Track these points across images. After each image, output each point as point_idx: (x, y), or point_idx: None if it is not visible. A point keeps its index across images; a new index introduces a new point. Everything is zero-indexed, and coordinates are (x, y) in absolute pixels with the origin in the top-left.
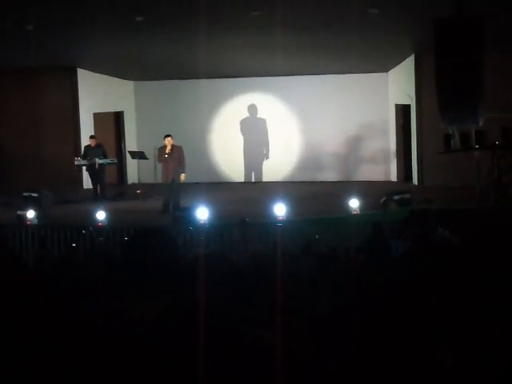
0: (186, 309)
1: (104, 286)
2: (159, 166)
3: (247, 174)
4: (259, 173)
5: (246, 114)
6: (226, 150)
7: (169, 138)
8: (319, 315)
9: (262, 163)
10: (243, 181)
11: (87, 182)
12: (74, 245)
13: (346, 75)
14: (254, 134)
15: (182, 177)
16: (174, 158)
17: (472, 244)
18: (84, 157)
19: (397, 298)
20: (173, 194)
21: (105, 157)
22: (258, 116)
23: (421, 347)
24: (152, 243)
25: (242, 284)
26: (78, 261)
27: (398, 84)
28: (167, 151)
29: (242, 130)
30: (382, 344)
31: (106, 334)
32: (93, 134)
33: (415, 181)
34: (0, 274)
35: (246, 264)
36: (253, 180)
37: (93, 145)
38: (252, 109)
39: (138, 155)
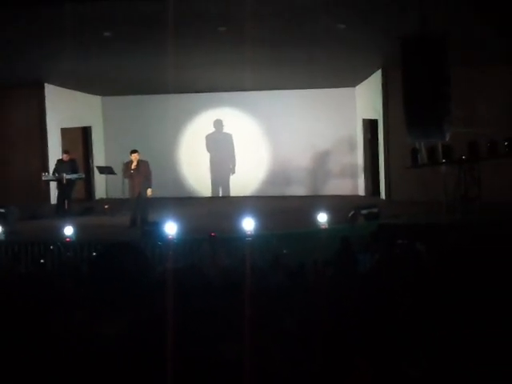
0: (155, 322)
1: (73, 301)
2: (126, 181)
3: (214, 188)
4: (226, 187)
5: (213, 129)
6: (193, 165)
7: (135, 154)
8: (287, 329)
9: (228, 178)
10: (210, 195)
11: (55, 197)
12: (42, 261)
13: (314, 90)
14: (221, 149)
15: (149, 192)
16: (140, 173)
17: (440, 257)
18: (54, 171)
19: (363, 311)
20: (140, 208)
21: (74, 172)
22: (225, 131)
23: (386, 359)
24: (121, 257)
25: (212, 297)
26: (46, 277)
27: (365, 99)
28: (133, 167)
29: (208, 145)
30: (347, 356)
31: (75, 349)
32: (61, 148)
33: (383, 195)
34: None
35: (215, 278)
36: (220, 195)
37: (65, 159)
38: (218, 124)
39: (106, 170)
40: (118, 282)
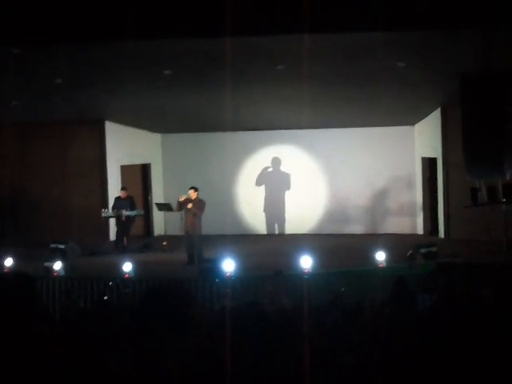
0: (214, 361)
1: (130, 337)
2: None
3: (270, 226)
4: (282, 225)
5: (269, 167)
6: (250, 202)
7: (190, 190)
8: (345, 368)
9: (284, 215)
10: (265, 233)
11: (114, 234)
12: (105, 298)
13: (373, 128)
14: (277, 187)
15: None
16: (193, 211)
17: (501, 298)
18: (112, 208)
19: (423, 351)
20: (191, 246)
21: (132, 209)
22: (282, 168)
23: None
24: (168, 296)
25: (271, 335)
26: (105, 313)
27: (424, 137)
28: (181, 199)
29: (264, 183)
30: None
31: None
32: (120, 185)
33: (442, 234)
34: (28, 326)
35: (273, 316)
36: (276, 232)
37: (123, 196)
38: (275, 161)
39: (165, 207)
40: (166, 320)
